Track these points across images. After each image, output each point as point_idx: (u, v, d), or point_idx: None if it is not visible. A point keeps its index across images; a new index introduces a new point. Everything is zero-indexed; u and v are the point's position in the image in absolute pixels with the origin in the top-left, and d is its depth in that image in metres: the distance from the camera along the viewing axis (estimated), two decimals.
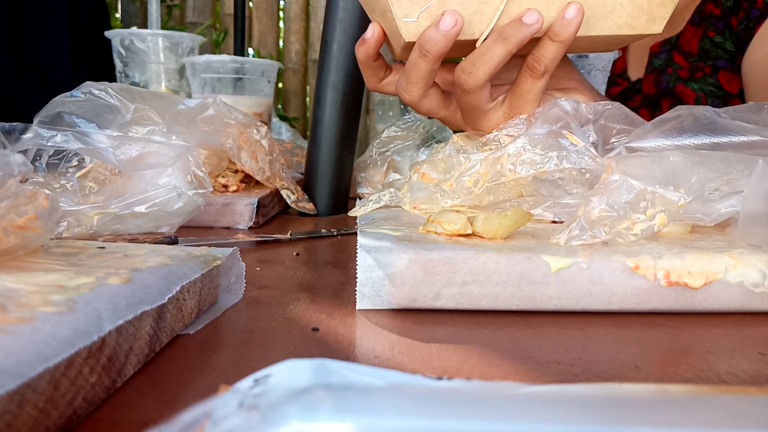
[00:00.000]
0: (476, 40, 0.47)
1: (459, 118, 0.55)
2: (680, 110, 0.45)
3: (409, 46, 0.48)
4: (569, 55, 0.78)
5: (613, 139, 0.46)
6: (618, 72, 0.94)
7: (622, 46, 0.54)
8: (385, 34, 0.51)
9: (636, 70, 0.91)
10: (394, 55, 0.53)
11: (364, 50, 0.52)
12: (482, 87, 0.49)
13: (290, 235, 0.56)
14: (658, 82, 0.85)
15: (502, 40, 0.46)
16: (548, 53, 0.47)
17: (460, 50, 0.49)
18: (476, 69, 0.47)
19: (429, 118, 0.79)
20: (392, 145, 0.79)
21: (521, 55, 0.49)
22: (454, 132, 0.74)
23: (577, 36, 0.47)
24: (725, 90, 0.79)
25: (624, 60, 0.94)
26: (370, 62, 0.53)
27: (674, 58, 0.84)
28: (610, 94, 0.95)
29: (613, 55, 0.96)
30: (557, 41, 0.46)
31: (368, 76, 0.55)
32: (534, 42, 0.47)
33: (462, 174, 0.46)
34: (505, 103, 0.51)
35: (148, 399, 0.24)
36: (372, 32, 0.50)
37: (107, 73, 1.03)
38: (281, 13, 1.97)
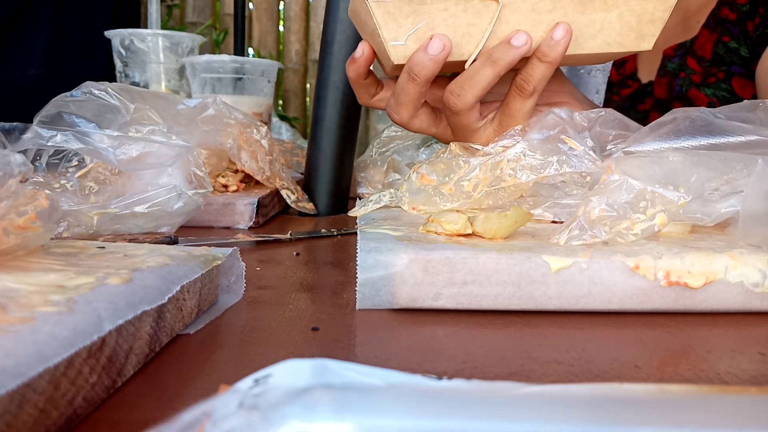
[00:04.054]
0: (466, 61, 0.47)
1: (450, 135, 0.55)
2: (676, 113, 0.45)
3: (399, 65, 0.48)
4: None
5: (609, 145, 0.46)
6: (629, 74, 0.94)
7: (614, 59, 0.54)
8: (374, 52, 0.51)
9: (647, 72, 0.91)
10: (384, 71, 0.54)
11: (354, 69, 0.52)
12: (471, 108, 0.49)
13: (290, 235, 0.56)
14: (671, 86, 0.85)
15: (490, 62, 0.46)
16: (536, 73, 0.47)
17: (450, 68, 0.49)
18: (465, 91, 0.48)
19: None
20: (392, 145, 0.79)
21: (512, 71, 0.49)
22: None
23: (566, 54, 0.47)
24: (738, 96, 0.79)
25: (634, 61, 0.94)
26: (360, 80, 0.53)
27: (688, 63, 0.83)
28: (621, 96, 0.94)
29: None
30: (545, 62, 0.46)
31: (360, 93, 0.55)
32: (524, 60, 0.47)
33: (461, 178, 0.46)
34: (494, 121, 0.52)
35: (148, 399, 0.24)
36: (361, 52, 0.51)
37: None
38: (281, 13, 1.97)
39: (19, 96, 1.18)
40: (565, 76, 0.59)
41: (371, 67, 0.54)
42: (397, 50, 0.47)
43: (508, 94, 0.50)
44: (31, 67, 1.22)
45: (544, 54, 0.46)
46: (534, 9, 0.46)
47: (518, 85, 0.48)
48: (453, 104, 0.49)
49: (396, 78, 0.51)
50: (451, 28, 0.46)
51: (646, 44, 0.48)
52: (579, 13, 0.46)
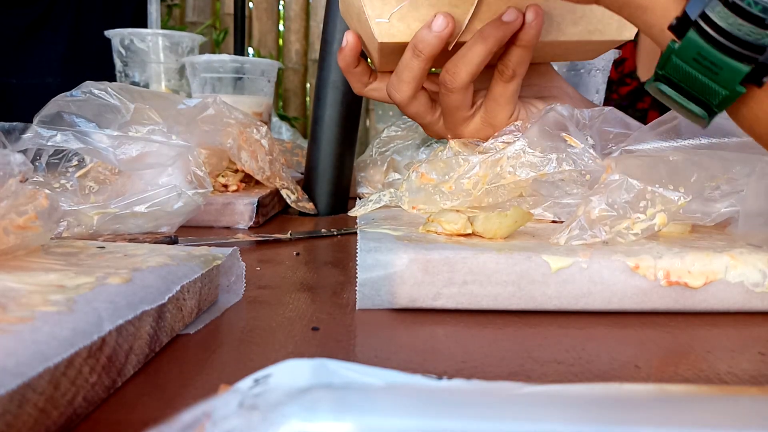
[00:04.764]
0: (449, 47, 0.48)
1: (441, 125, 0.57)
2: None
3: (386, 53, 0.50)
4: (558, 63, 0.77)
5: (610, 144, 0.47)
6: (627, 72, 0.94)
7: (599, 54, 0.55)
8: (360, 42, 0.53)
9: (646, 71, 0.91)
10: (375, 66, 0.55)
11: (342, 59, 0.55)
12: (466, 87, 0.51)
13: (290, 235, 0.56)
14: None
15: (482, 39, 0.48)
16: (514, 57, 0.49)
17: (438, 61, 0.50)
18: (459, 69, 0.50)
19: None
20: (392, 145, 0.79)
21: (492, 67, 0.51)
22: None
23: (550, 42, 0.49)
24: None
25: (633, 59, 0.94)
26: (350, 69, 0.55)
27: None
28: (620, 94, 0.94)
29: (613, 55, 0.96)
30: (520, 45, 0.48)
31: (352, 81, 0.57)
32: (506, 45, 0.49)
33: (461, 176, 0.46)
34: (481, 108, 0.54)
35: (148, 399, 0.24)
36: (346, 41, 0.53)
37: None
38: (281, 13, 1.97)
39: (37, 104, 1.18)
40: (563, 75, 0.60)
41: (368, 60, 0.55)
42: (382, 28, 0.48)
43: (492, 79, 0.52)
44: (49, 75, 1.21)
45: (518, 38, 0.48)
46: None
47: (499, 69, 0.51)
48: (449, 81, 0.51)
49: (387, 73, 0.53)
50: (434, 8, 0.47)
51: (628, 33, 0.49)
52: None
